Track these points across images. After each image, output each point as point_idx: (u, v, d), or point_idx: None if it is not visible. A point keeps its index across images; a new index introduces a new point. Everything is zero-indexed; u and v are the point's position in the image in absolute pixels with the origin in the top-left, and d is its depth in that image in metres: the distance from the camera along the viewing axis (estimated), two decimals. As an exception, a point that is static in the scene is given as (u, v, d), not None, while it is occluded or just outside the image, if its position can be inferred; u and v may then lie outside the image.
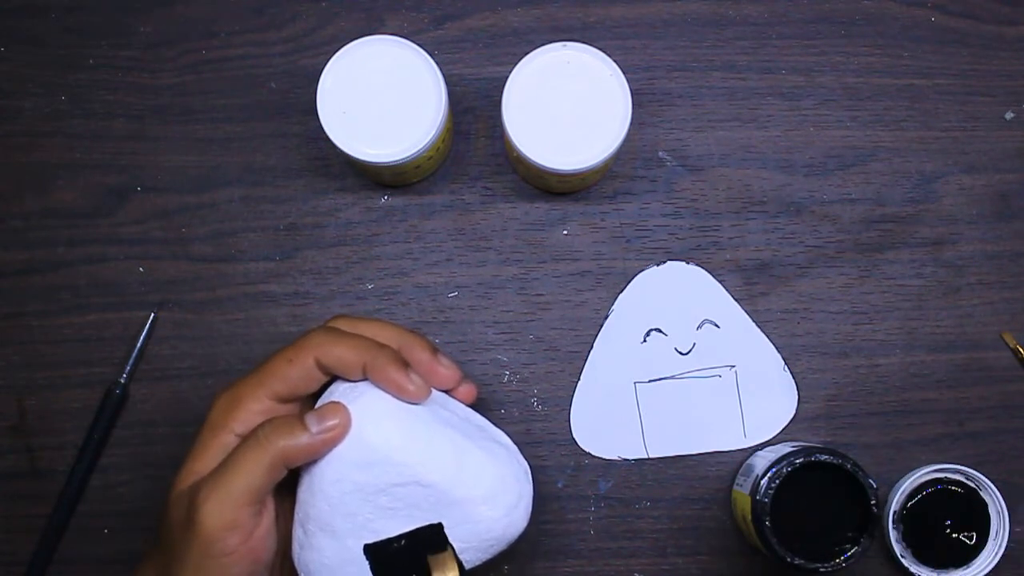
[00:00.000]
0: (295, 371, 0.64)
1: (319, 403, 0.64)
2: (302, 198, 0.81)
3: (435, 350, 0.67)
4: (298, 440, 0.62)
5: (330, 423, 0.62)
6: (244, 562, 0.62)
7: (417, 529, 0.64)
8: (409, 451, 0.63)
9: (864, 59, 0.81)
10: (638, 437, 0.80)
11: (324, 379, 0.65)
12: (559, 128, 0.74)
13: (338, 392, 0.64)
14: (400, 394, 0.64)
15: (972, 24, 0.81)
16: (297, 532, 0.65)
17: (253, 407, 0.64)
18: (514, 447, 0.67)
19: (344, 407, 0.63)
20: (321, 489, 0.63)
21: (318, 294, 0.80)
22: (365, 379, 0.64)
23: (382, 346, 0.64)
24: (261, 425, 0.62)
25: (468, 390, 0.68)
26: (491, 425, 0.68)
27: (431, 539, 0.64)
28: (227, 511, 0.61)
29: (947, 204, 0.81)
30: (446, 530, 0.64)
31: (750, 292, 0.80)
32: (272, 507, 0.63)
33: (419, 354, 0.66)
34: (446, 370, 0.66)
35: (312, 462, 0.63)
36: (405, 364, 0.64)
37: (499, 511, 0.64)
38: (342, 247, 0.81)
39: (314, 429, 0.62)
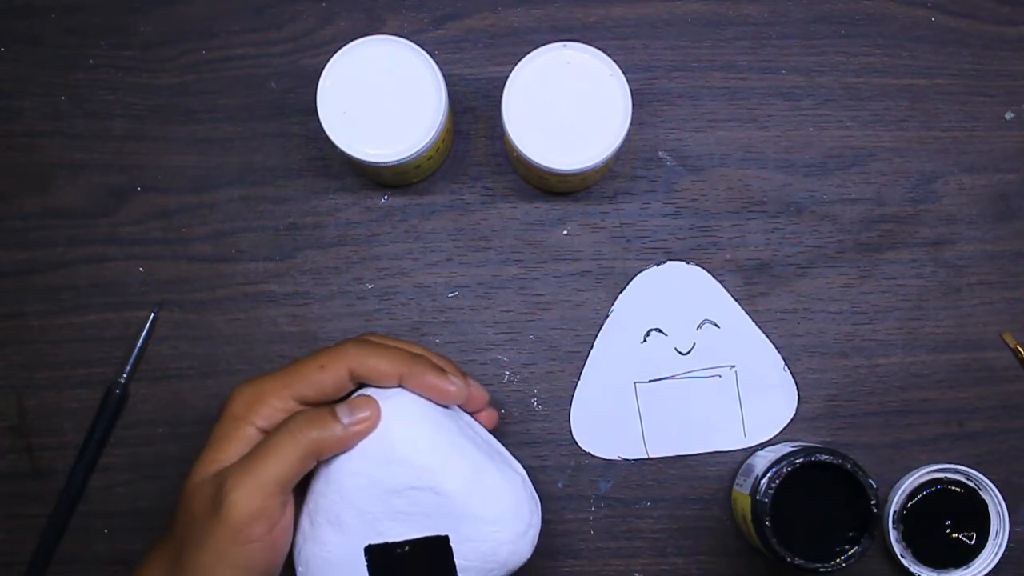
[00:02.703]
0: (327, 378, 0.64)
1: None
2: (302, 198, 0.81)
3: (464, 373, 0.68)
4: (331, 431, 0.62)
5: (362, 415, 0.63)
6: (266, 551, 0.62)
7: (423, 538, 0.64)
8: (432, 456, 0.63)
9: (864, 59, 0.81)
10: (638, 437, 0.80)
11: (351, 388, 0.65)
12: (559, 128, 0.74)
13: (368, 390, 0.65)
14: (440, 396, 0.64)
15: (972, 24, 0.81)
16: (303, 524, 0.65)
17: (276, 404, 0.64)
18: (528, 479, 0.67)
19: (375, 401, 0.63)
20: (338, 480, 0.63)
21: (318, 294, 0.80)
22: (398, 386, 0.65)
23: (417, 356, 0.65)
24: (293, 417, 0.63)
25: (491, 415, 0.69)
26: (509, 453, 0.68)
27: (434, 551, 0.64)
28: (257, 499, 0.61)
29: (947, 204, 0.81)
30: (451, 545, 0.64)
31: (750, 292, 0.80)
32: (293, 501, 0.63)
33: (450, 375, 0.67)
34: (476, 391, 0.67)
35: None
36: (440, 369, 0.65)
37: (507, 534, 0.65)
38: (342, 247, 0.81)
39: (345, 420, 0.63)
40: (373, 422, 0.63)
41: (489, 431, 0.69)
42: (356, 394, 0.65)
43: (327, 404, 0.65)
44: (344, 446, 0.63)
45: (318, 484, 0.64)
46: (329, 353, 0.65)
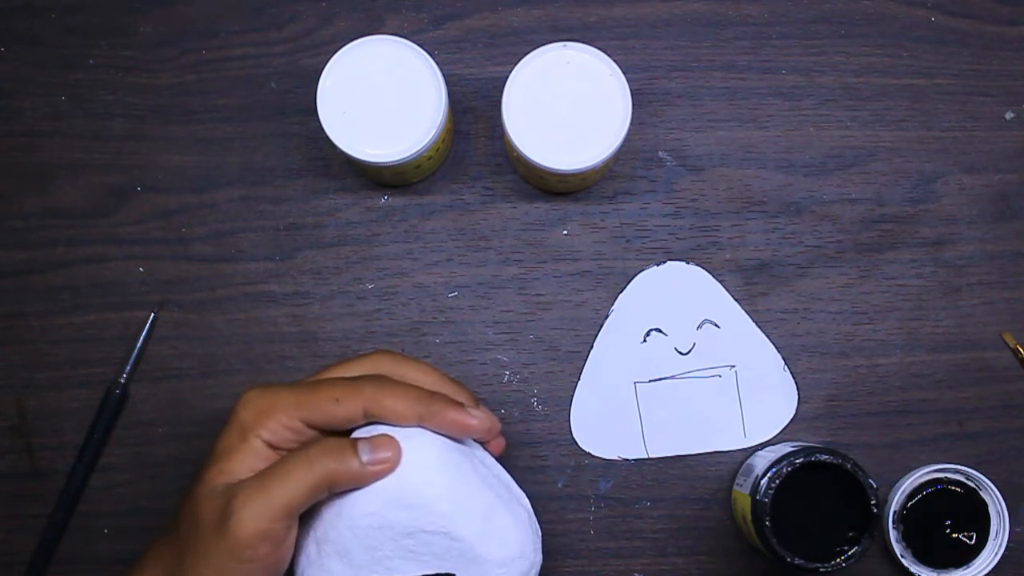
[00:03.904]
0: (340, 411, 0.64)
1: (366, 431, 0.64)
2: (302, 198, 0.81)
3: (477, 401, 0.67)
4: (349, 466, 0.62)
5: (382, 455, 0.63)
6: (266, 571, 0.62)
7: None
8: (449, 502, 0.63)
9: (864, 59, 0.81)
10: (638, 437, 0.80)
11: (363, 423, 0.65)
12: (559, 128, 0.74)
13: (387, 428, 0.64)
14: (461, 432, 0.64)
15: (972, 24, 0.81)
16: (309, 547, 0.65)
17: (284, 421, 0.64)
18: (532, 513, 0.67)
19: (397, 443, 0.63)
20: (350, 516, 0.63)
21: (318, 294, 0.80)
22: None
23: (433, 394, 0.65)
24: (312, 444, 0.63)
25: (499, 442, 0.68)
26: (515, 484, 0.68)
27: None
28: (264, 522, 0.61)
29: (947, 204, 0.81)
30: None
31: (750, 292, 0.81)
32: (297, 523, 0.63)
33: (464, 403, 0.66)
34: (492, 421, 0.67)
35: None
36: (459, 403, 0.65)
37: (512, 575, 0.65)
38: (342, 247, 0.81)
39: (365, 458, 0.62)
40: (392, 465, 0.63)
41: (496, 458, 0.68)
42: (377, 431, 0.64)
43: (336, 432, 0.64)
44: (359, 483, 0.63)
45: (329, 513, 0.64)
46: (346, 388, 0.64)
